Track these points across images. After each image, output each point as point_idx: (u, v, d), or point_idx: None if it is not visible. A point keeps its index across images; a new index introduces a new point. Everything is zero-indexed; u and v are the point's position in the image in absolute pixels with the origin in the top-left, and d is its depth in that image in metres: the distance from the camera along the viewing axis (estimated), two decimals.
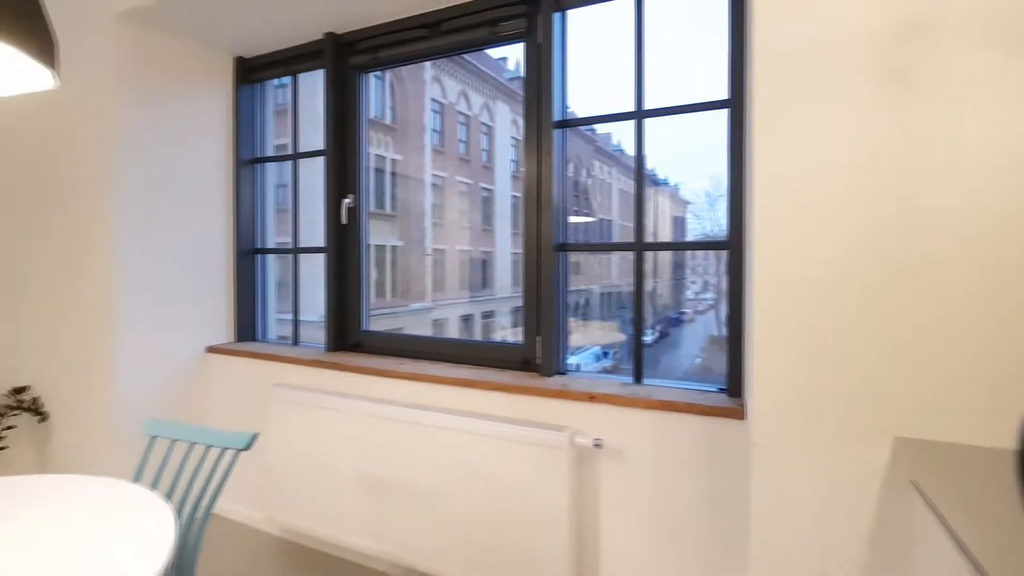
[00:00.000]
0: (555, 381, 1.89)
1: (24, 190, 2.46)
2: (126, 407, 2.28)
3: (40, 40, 0.92)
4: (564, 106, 2.04)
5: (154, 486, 1.48)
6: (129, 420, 2.28)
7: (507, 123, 13.94)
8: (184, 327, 2.51)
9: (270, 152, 2.79)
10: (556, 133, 1.99)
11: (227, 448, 1.44)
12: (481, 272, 12.63)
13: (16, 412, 2.41)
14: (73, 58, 2.26)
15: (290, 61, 2.58)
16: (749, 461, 1.33)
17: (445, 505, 1.89)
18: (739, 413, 1.58)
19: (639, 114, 1.85)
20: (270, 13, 2.25)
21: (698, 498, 1.65)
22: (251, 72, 2.70)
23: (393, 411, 2.00)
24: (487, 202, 13.32)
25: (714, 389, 1.77)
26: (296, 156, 2.62)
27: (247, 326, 2.74)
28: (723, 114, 1.73)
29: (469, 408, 1.95)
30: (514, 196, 13.93)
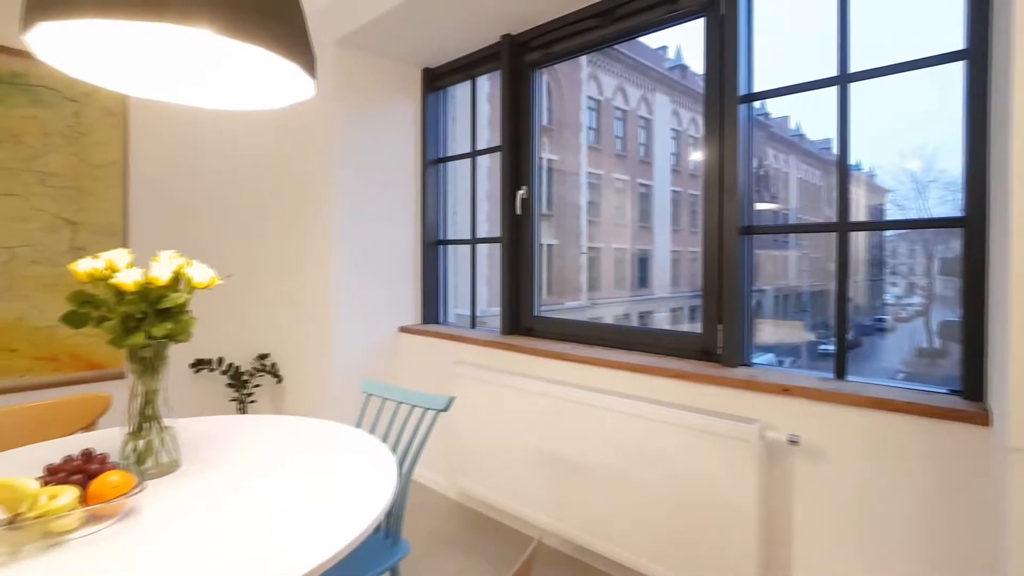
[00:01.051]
0: (741, 372, 1.78)
1: (265, 195, 3.02)
2: (340, 374, 2.68)
3: (307, 54, 1.13)
4: (750, 79, 1.91)
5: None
6: (342, 384, 2.68)
7: (666, 115, 13.39)
8: (381, 309, 2.87)
9: (450, 153, 3.06)
10: (741, 109, 1.86)
11: (429, 409, 1.61)
12: (638, 270, 12.31)
13: (261, 374, 2.98)
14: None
15: (469, 66, 2.79)
16: (1003, 470, 1.11)
17: (621, 488, 1.89)
18: (982, 418, 1.33)
19: (843, 79, 1.66)
20: (452, 25, 2.46)
21: (916, 509, 1.42)
22: (435, 80, 2.98)
23: (568, 391, 2.05)
24: (645, 198, 12.93)
25: (943, 391, 1.51)
26: (475, 154, 2.83)
27: (431, 309, 3.03)
28: (948, 73, 1.47)
29: (644, 394, 1.92)
30: (674, 191, 13.32)
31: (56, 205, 2.32)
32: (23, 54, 2.20)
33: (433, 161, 3.03)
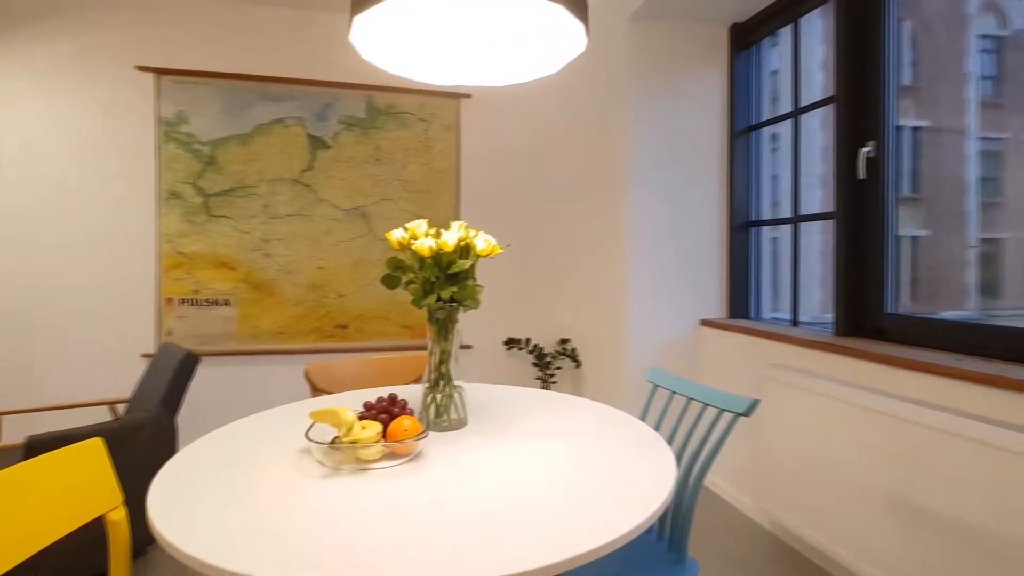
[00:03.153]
0: None
1: (567, 185, 3.15)
2: (635, 365, 2.58)
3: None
4: None
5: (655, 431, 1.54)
6: (637, 375, 2.56)
7: None
8: (680, 299, 2.63)
9: (764, 118, 2.59)
10: None
11: (725, 410, 1.34)
12: None
13: (561, 357, 3.12)
14: (596, 59, 2.71)
15: (792, 5, 2.30)
16: None
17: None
18: None
19: None
20: None
21: None
22: (746, 35, 2.57)
23: (940, 418, 1.44)
24: None
25: None
26: (797, 112, 2.32)
27: (740, 302, 2.64)
28: None
29: None
30: None
31: (414, 205, 2.91)
32: (395, 90, 2.82)
33: (743, 131, 2.63)
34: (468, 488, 0.93)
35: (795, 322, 2.36)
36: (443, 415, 1.23)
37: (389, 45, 1.17)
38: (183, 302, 2.70)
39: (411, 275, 1.21)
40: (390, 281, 1.21)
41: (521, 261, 3.13)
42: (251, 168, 2.74)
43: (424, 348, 2.94)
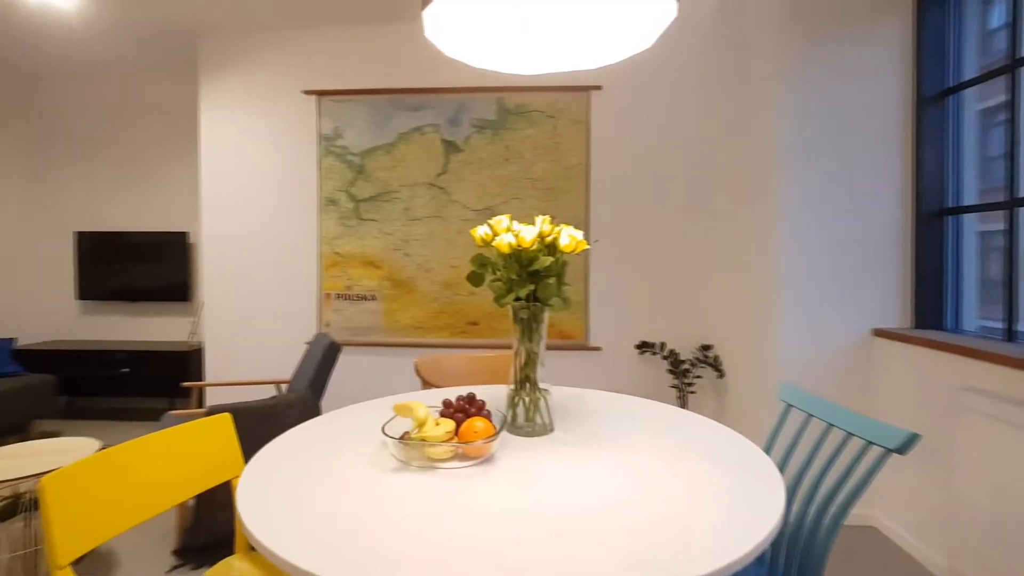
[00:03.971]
0: None
1: (706, 176, 2.85)
2: (785, 379, 2.23)
3: None
4: None
5: (785, 459, 1.30)
6: None
7: None
8: (846, 304, 2.21)
9: (965, 77, 2.05)
10: None
11: (873, 443, 1.07)
12: None
13: (702, 365, 2.84)
14: (731, 36, 2.40)
15: None
16: None
17: None
18: None
19: None
20: None
21: None
22: None
23: None
24: None
25: None
26: (1016, 64, 1.79)
27: (930, 309, 2.13)
28: None
29: None
30: None
31: (542, 204, 2.89)
32: (525, 89, 2.84)
33: (936, 96, 2.12)
34: (538, 499, 0.87)
35: (1010, 335, 1.83)
36: (526, 419, 1.18)
37: (468, 38, 1.16)
38: (338, 297, 3.04)
39: (498, 272, 1.18)
40: (474, 278, 1.19)
41: (655, 259, 2.93)
42: (394, 174, 2.98)
43: (555, 348, 2.91)
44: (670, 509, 0.83)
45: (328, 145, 3.01)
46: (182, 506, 2.05)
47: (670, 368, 2.87)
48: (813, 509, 1.11)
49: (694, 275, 2.90)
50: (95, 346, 3.58)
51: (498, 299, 1.15)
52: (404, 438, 1.03)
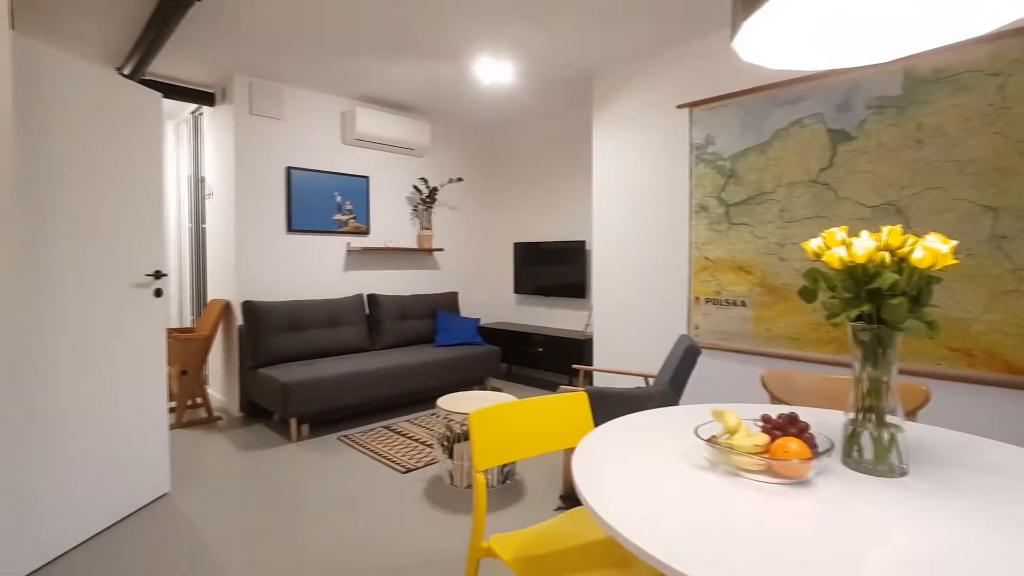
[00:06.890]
0: None
1: None
2: None
3: None
4: None
5: None
6: None
7: None
8: None
9: None
10: None
11: None
12: None
13: None
14: None
15: None
16: None
17: None
18: None
19: None
20: None
21: None
22: None
23: None
24: None
25: None
26: None
27: None
28: None
29: None
30: None
31: (974, 192, 2.20)
32: (947, 49, 2.22)
33: None
34: (851, 536, 0.80)
35: None
36: (852, 451, 1.05)
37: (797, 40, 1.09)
38: (707, 301, 3.11)
39: (835, 288, 1.09)
40: (806, 294, 1.13)
41: None
42: (767, 175, 2.83)
43: (997, 384, 2.24)
44: None
45: (699, 153, 3.12)
46: (568, 459, 2.58)
47: None
48: None
49: None
50: (523, 328, 4.81)
51: (830, 317, 1.05)
52: (711, 441, 1.09)
